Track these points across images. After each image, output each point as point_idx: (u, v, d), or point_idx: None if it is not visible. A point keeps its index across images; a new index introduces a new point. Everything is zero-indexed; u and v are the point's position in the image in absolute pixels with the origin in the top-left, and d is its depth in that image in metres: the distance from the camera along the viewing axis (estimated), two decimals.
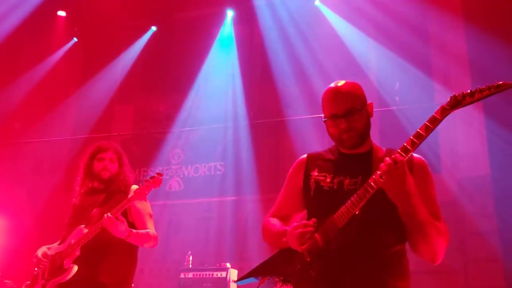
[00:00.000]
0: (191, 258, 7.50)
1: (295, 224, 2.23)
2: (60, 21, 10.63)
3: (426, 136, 2.07)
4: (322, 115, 2.42)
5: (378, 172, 2.08)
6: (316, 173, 2.41)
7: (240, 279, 2.53)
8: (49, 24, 10.54)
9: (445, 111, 2.07)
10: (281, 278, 2.35)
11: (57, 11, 10.55)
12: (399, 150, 2.09)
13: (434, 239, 2.15)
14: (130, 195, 3.50)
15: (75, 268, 3.48)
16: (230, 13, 9.89)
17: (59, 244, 3.71)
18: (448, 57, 8.39)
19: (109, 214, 3.38)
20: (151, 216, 3.78)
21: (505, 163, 6.96)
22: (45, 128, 10.53)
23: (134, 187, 3.69)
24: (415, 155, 2.35)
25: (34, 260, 3.70)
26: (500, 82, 2.00)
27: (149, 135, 10.00)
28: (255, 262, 2.57)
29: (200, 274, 7.05)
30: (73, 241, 3.55)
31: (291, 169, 2.58)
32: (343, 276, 2.18)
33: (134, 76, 10.29)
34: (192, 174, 9.51)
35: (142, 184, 3.51)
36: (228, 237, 8.62)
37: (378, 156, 2.32)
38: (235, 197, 8.95)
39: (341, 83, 2.39)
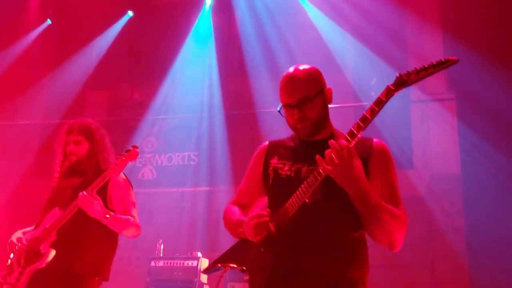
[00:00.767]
0: (162, 246, 7.46)
1: (251, 215, 2.20)
2: (34, 1, 10.39)
3: (372, 119, 2.03)
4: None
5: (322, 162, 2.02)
6: (275, 161, 2.39)
7: (207, 268, 2.52)
8: (22, 4, 10.30)
9: (390, 91, 2.03)
10: (241, 268, 2.31)
11: None
12: (346, 135, 2.04)
13: (388, 225, 2.08)
14: (106, 172, 3.31)
15: (53, 252, 3.33)
16: (208, 1, 9.79)
17: (34, 229, 3.57)
18: (424, 54, 8.47)
19: (84, 192, 3.25)
20: (134, 204, 3.59)
21: (475, 162, 7.07)
22: (15, 111, 10.33)
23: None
24: (375, 139, 2.34)
25: (8, 245, 3.55)
26: (443, 59, 1.98)
27: (122, 122, 9.87)
28: None
29: (170, 263, 7.02)
30: (48, 225, 3.41)
31: (252, 157, 2.56)
32: (294, 266, 2.14)
33: (108, 62, 10.12)
34: (165, 163, 9.44)
35: (117, 158, 3.34)
36: (200, 227, 8.60)
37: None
38: (208, 187, 8.92)
39: (296, 69, 2.34)
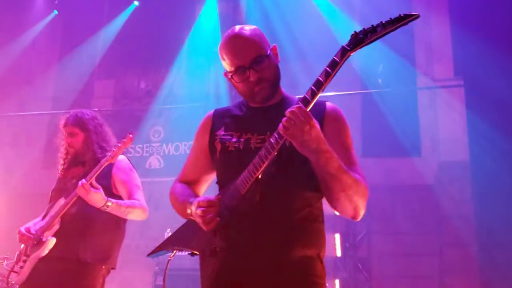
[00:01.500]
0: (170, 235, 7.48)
1: (199, 200, 2.00)
2: None
3: (327, 83, 1.83)
4: (227, 70, 2.16)
5: (280, 127, 1.83)
6: (222, 132, 2.18)
7: (151, 252, 2.34)
8: None
9: (345, 52, 1.80)
10: (190, 252, 2.17)
11: None
12: (298, 101, 1.85)
13: (352, 190, 1.89)
14: (104, 159, 3.34)
15: (53, 240, 3.36)
16: None
17: (42, 219, 3.61)
18: (431, 41, 8.41)
19: (83, 180, 3.26)
20: (138, 187, 3.59)
21: (484, 149, 7.02)
22: (23, 102, 10.37)
23: (122, 157, 3.58)
24: (328, 102, 2.16)
25: (18, 236, 3.58)
26: (402, 14, 1.74)
27: (129, 112, 9.90)
28: None
29: (179, 251, 7.04)
30: (52, 214, 3.45)
31: (197, 129, 2.35)
32: (246, 247, 1.97)
33: (115, 52, 10.14)
34: (173, 152, 9.45)
35: (115, 146, 3.36)
36: None
37: (290, 107, 1.97)
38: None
39: (240, 29, 2.14)
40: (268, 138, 1.93)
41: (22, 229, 3.54)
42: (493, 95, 6.89)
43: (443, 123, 8.28)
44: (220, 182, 2.16)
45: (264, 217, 1.98)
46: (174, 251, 2.25)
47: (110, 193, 3.46)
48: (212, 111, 2.33)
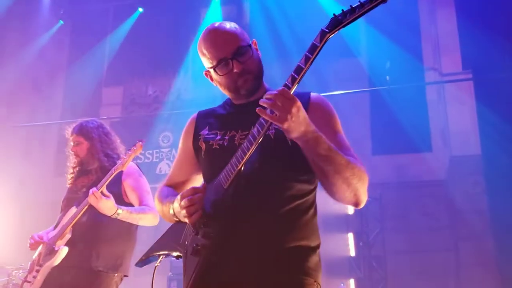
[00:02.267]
0: None
1: (182, 192, 1.94)
2: (45, 3, 10.47)
3: (307, 68, 1.74)
4: (209, 67, 2.10)
5: (263, 116, 1.74)
6: (206, 132, 2.13)
7: (139, 261, 2.25)
8: (34, 7, 10.38)
9: (324, 34, 1.73)
10: (175, 255, 2.09)
11: None
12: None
13: (348, 172, 1.79)
14: (115, 167, 3.35)
15: (65, 249, 3.35)
16: None
17: (54, 228, 3.62)
18: (438, 36, 8.37)
19: (94, 189, 3.25)
20: (148, 192, 3.57)
21: (495, 141, 6.96)
22: (33, 112, 10.44)
23: (130, 163, 3.59)
24: (312, 93, 2.08)
25: (29, 245, 3.59)
26: None
27: (138, 118, 9.93)
28: None
29: None
30: (64, 223, 3.45)
31: (182, 131, 2.30)
32: (228, 243, 1.89)
33: (122, 59, 10.18)
34: None
35: (125, 154, 3.38)
36: None
37: None
38: None
39: (220, 23, 2.10)
40: (251, 131, 1.85)
41: (35, 236, 3.56)
42: (503, 87, 6.84)
43: (453, 118, 8.23)
44: (207, 182, 2.06)
45: (247, 211, 1.90)
46: (161, 257, 2.17)
47: (121, 200, 3.46)
48: (195, 113, 2.28)
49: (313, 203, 2.02)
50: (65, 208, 3.61)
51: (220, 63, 2.01)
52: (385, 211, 7.97)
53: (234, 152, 1.88)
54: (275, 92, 1.71)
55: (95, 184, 3.37)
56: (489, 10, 7.21)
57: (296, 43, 8.54)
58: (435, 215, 8.01)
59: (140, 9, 10.25)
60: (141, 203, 3.50)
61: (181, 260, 2.07)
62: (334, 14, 1.74)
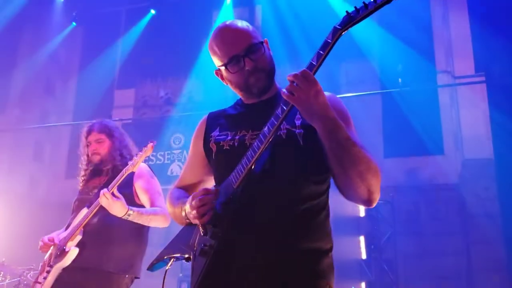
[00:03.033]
0: None
1: (193, 193, 1.91)
2: (58, 6, 10.54)
3: (319, 65, 1.73)
4: (219, 67, 2.06)
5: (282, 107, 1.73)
6: (216, 133, 2.09)
7: (150, 265, 2.24)
8: (47, 9, 10.46)
9: (337, 31, 1.72)
10: (184, 257, 2.06)
11: None
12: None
13: (362, 163, 1.75)
14: (126, 168, 3.33)
15: (75, 251, 3.35)
16: None
17: (65, 229, 3.63)
18: (450, 39, 8.32)
19: (105, 189, 3.23)
20: (160, 194, 3.55)
21: (508, 145, 6.90)
22: (45, 114, 10.51)
23: (142, 164, 3.58)
24: (326, 93, 1.95)
25: (40, 244, 3.59)
26: None
27: (149, 120, 9.97)
28: None
29: None
30: (74, 224, 3.45)
31: (193, 134, 2.27)
32: (237, 244, 1.84)
33: (133, 61, 10.24)
34: None
35: (137, 155, 3.37)
36: None
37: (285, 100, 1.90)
38: None
39: (231, 21, 2.04)
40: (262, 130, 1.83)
41: (45, 238, 3.56)
42: None
43: (465, 121, 8.17)
44: (217, 183, 2.04)
45: (259, 212, 1.86)
46: (172, 260, 2.15)
47: (132, 201, 3.45)
48: (206, 115, 2.25)
49: (325, 205, 1.98)
50: (77, 209, 3.61)
51: (232, 61, 1.98)
52: (396, 214, 7.92)
53: (245, 152, 1.86)
54: (296, 73, 1.70)
55: (106, 185, 3.36)
56: (503, 13, 7.16)
57: (308, 45, 8.53)
58: (447, 219, 7.96)
59: (153, 11, 10.28)
60: (152, 204, 3.49)
61: (184, 260, 2.06)
62: (347, 11, 1.72)
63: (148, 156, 3.38)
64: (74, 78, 10.90)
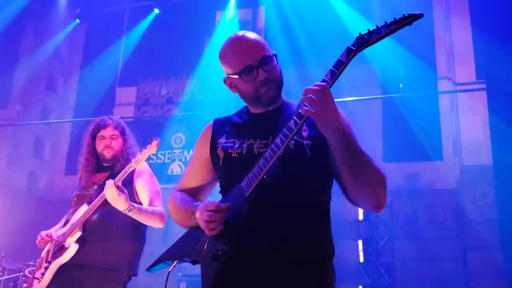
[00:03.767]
0: None
1: (206, 204, 1.94)
2: (62, 2, 10.56)
3: (332, 83, 1.80)
4: (231, 75, 2.10)
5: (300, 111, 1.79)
6: (223, 140, 2.12)
7: (150, 266, 2.23)
8: (51, 5, 10.48)
9: (351, 52, 1.79)
10: (192, 260, 2.09)
11: None
12: (305, 103, 1.81)
13: (374, 174, 1.83)
14: (129, 165, 3.32)
15: (74, 247, 3.35)
16: None
17: (64, 225, 3.63)
18: (452, 45, 8.35)
19: (111, 181, 3.23)
20: (158, 193, 3.57)
21: (507, 153, 6.93)
22: (47, 110, 10.53)
23: (144, 163, 3.59)
24: None
25: (38, 241, 3.59)
26: (406, 14, 1.72)
27: (151, 119, 9.99)
28: None
29: None
30: (75, 220, 3.46)
31: (198, 138, 2.27)
32: (249, 250, 1.89)
33: (136, 59, 10.25)
34: None
35: (140, 152, 3.39)
36: None
37: (291, 111, 1.99)
38: None
39: (244, 33, 2.10)
40: (271, 143, 1.89)
41: (43, 233, 3.57)
42: None
43: (465, 127, 8.19)
44: (224, 190, 2.09)
45: (270, 220, 1.91)
46: (175, 262, 2.16)
47: (132, 199, 3.45)
48: (212, 121, 2.27)
49: (328, 213, 2.05)
50: (75, 205, 3.60)
51: (245, 70, 2.02)
52: (395, 218, 7.94)
53: (252, 160, 1.91)
54: (313, 87, 1.77)
55: (108, 179, 3.37)
56: (504, 20, 7.19)
57: (312, 47, 8.56)
58: (445, 224, 7.98)
59: (156, 10, 10.29)
60: (151, 203, 3.50)
61: (190, 263, 2.09)
62: (360, 33, 1.79)
63: (152, 153, 3.40)
64: (76, 75, 10.92)
